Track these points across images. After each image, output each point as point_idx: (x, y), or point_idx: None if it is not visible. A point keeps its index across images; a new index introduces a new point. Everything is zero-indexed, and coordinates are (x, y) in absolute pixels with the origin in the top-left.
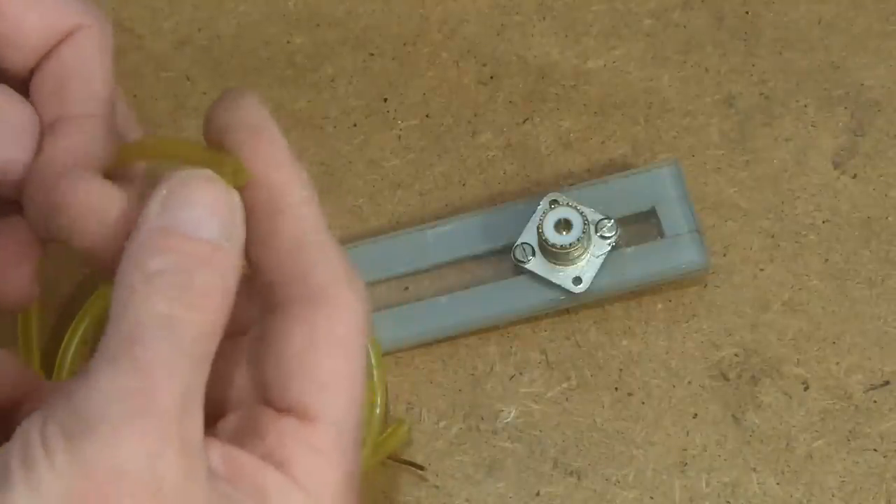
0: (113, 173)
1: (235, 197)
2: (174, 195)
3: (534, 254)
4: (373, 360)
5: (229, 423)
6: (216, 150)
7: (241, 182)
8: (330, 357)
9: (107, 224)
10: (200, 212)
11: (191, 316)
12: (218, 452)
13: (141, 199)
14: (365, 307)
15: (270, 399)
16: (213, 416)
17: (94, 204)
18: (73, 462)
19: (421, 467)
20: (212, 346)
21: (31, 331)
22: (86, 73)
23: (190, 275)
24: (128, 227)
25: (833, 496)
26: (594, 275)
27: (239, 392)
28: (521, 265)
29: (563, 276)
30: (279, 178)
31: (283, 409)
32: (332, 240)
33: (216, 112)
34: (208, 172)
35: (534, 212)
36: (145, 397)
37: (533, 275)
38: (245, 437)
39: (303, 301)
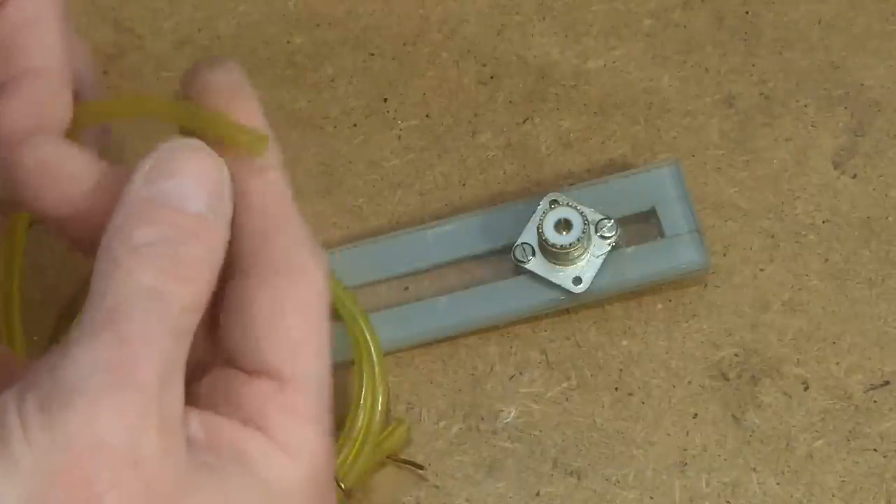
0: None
1: (224, 169)
2: (160, 166)
3: (534, 254)
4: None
5: (202, 388)
6: (226, 116)
7: (259, 151)
8: (298, 321)
9: (70, 190)
10: (188, 183)
11: (178, 289)
12: (197, 420)
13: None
14: (325, 274)
15: (240, 363)
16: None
17: (55, 168)
18: (51, 437)
19: (421, 467)
20: (195, 319)
21: (13, 311)
22: (36, 26)
23: (178, 247)
24: (97, 196)
25: (833, 496)
26: (594, 275)
27: (203, 355)
28: (521, 265)
29: (563, 276)
30: None
31: (255, 373)
32: (294, 206)
33: (195, 74)
34: (196, 142)
35: (534, 212)
36: (125, 370)
37: (533, 275)
38: (220, 402)
39: (267, 266)
